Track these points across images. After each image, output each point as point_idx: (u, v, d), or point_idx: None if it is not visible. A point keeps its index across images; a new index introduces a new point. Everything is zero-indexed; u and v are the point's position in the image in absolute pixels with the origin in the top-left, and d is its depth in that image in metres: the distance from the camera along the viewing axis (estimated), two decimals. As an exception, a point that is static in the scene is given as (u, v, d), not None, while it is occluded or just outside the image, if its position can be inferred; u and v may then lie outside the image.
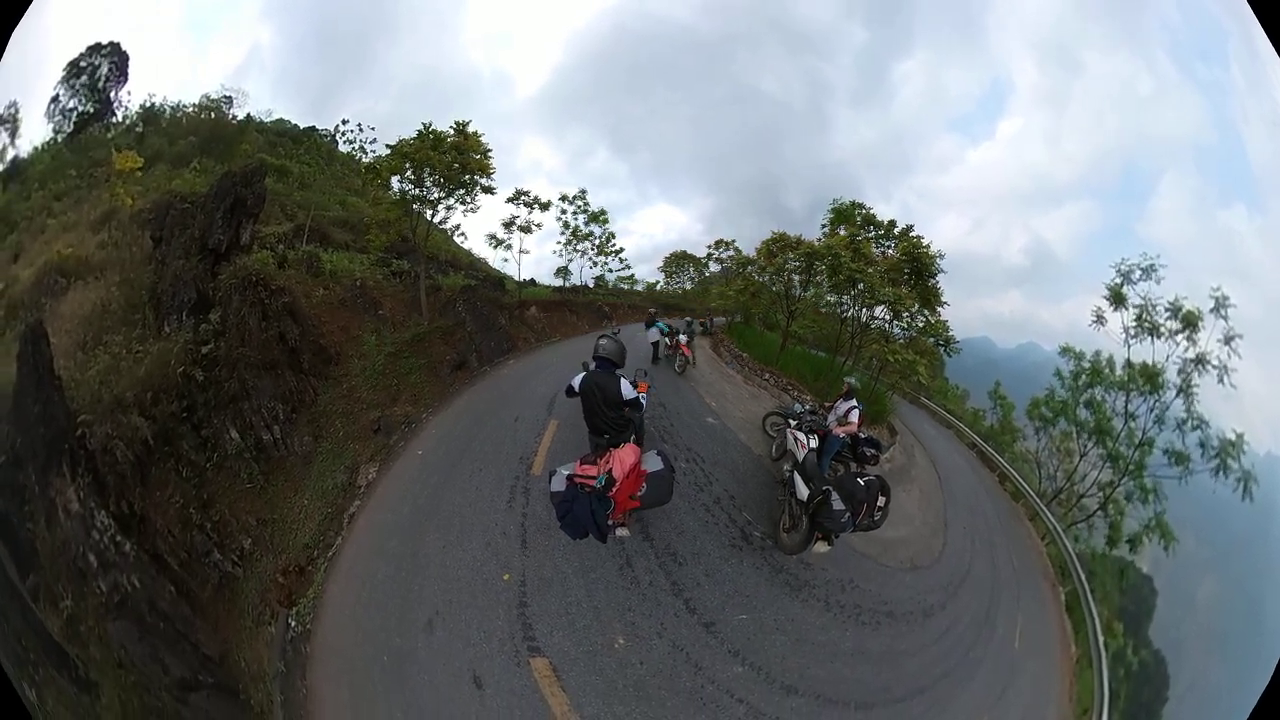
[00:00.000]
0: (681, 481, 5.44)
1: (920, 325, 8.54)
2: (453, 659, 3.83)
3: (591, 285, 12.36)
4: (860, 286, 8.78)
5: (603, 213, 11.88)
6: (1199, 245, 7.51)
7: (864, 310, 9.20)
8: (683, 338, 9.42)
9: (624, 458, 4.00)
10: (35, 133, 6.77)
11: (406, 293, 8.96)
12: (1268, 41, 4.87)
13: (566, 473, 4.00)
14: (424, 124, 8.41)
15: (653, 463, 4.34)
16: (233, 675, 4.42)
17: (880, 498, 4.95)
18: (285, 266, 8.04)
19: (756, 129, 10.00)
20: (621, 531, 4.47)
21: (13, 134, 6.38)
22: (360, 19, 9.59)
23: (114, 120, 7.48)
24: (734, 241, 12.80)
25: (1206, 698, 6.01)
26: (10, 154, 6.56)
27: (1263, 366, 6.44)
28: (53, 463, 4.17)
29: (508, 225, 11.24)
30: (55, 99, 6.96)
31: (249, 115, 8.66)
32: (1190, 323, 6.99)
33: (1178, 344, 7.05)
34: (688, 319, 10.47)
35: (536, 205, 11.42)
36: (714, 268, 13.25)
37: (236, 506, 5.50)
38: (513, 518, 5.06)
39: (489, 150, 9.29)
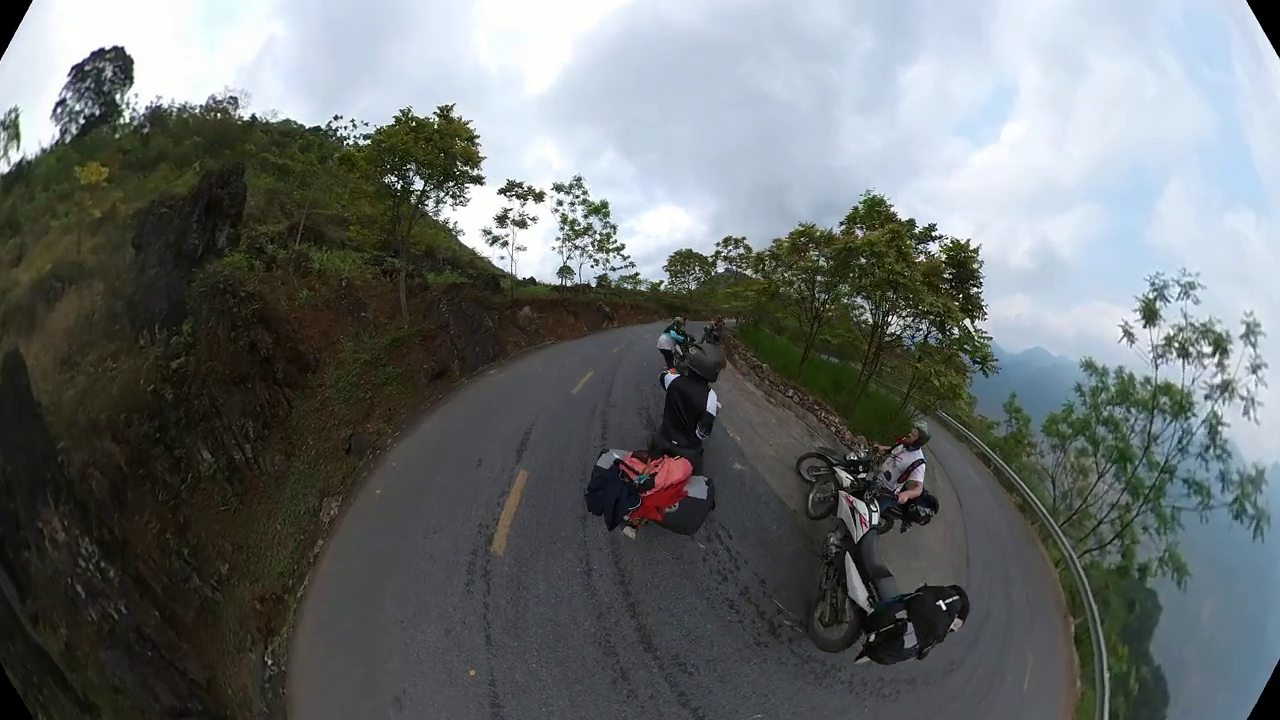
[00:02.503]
0: (701, 569, 5.21)
1: (955, 338, 8.54)
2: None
3: (594, 285, 12.86)
4: (898, 291, 8.74)
5: (604, 205, 12.33)
6: (1206, 249, 8.22)
7: (889, 317, 9.30)
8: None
9: (673, 470, 4.30)
10: (41, 133, 7.20)
11: (394, 292, 9.38)
12: (1268, 41, 5.36)
13: (617, 456, 4.42)
14: (402, 110, 8.75)
15: (697, 489, 4.54)
16: (220, 702, 5.09)
17: (956, 620, 4.41)
18: (274, 267, 8.51)
19: (763, 133, 11.06)
20: (628, 531, 4.74)
21: (15, 136, 6.70)
22: (371, 16, 10.41)
23: (121, 121, 7.97)
24: (744, 239, 13.24)
25: (1203, 716, 6.78)
26: (15, 155, 6.90)
27: (1270, 371, 7.14)
28: (37, 492, 4.73)
29: (501, 220, 11.70)
30: (61, 101, 7.34)
31: (254, 116, 9.25)
32: (1220, 346, 7.55)
33: (1204, 367, 7.64)
34: (708, 324, 10.31)
35: (530, 196, 11.86)
36: (721, 267, 13.61)
37: (212, 530, 6.10)
38: (473, 606, 4.77)
39: (475, 136, 9.65)
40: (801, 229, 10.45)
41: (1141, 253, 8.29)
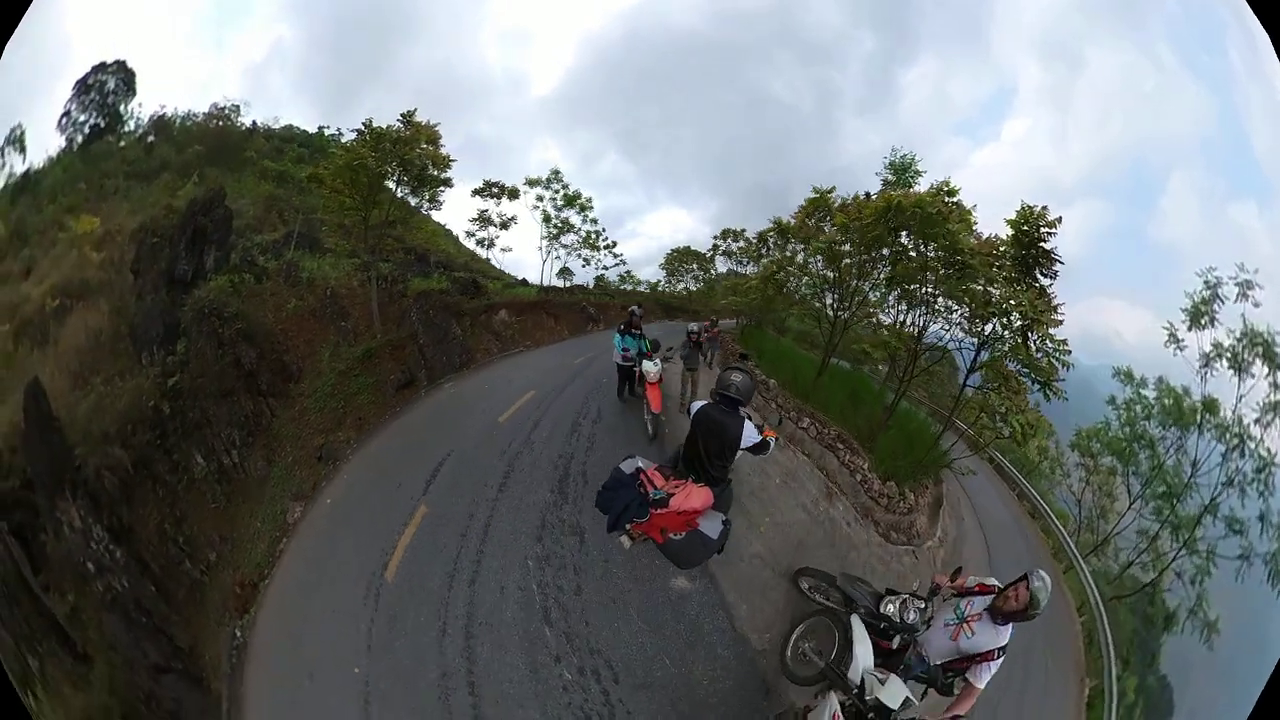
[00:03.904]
0: (558, 699, 4.64)
1: (1028, 351, 6.83)
2: (326, 716, 5.18)
3: (591, 285, 13.73)
4: (965, 279, 7.12)
5: (579, 196, 13.05)
6: (1210, 242, 8.41)
7: (928, 319, 7.97)
8: (651, 369, 7.42)
9: (694, 496, 4.23)
10: (48, 143, 8.55)
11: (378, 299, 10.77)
12: (1262, 29, 5.24)
13: (641, 465, 4.58)
14: (364, 122, 10.00)
15: (711, 525, 4.45)
16: (199, 665, 6.82)
17: None
18: (265, 279, 10.25)
19: (765, 134, 12.09)
20: (625, 540, 4.76)
21: (21, 149, 8.00)
22: (377, 17, 12.17)
23: (125, 130, 9.51)
24: (744, 231, 13.34)
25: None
26: (21, 167, 8.14)
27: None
28: (57, 489, 6.65)
29: (481, 221, 12.87)
30: (67, 113, 8.92)
31: (255, 123, 11.04)
32: (1271, 358, 6.76)
33: (1252, 381, 6.90)
34: (693, 326, 8.63)
35: (505, 194, 12.87)
36: (721, 265, 13.65)
37: (204, 524, 7.92)
38: (364, 617, 5.74)
39: (439, 137, 10.72)
40: (816, 194, 9.32)
41: (1145, 248, 8.73)
